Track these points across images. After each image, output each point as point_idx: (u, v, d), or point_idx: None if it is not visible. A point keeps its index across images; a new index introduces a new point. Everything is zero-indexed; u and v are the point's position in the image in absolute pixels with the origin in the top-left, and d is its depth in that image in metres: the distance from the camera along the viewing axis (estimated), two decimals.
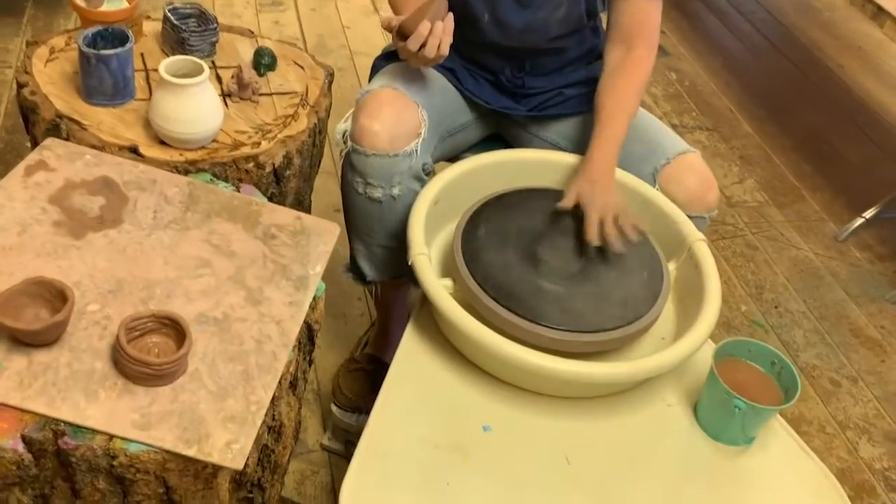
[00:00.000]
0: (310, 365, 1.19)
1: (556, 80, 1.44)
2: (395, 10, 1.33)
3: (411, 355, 1.16)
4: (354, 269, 1.45)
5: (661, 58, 3.10)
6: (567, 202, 1.22)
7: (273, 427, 1.03)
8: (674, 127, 2.76)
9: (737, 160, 2.67)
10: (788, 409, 1.12)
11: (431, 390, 1.12)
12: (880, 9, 2.31)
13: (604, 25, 1.42)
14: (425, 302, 1.19)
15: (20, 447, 0.88)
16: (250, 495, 1.06)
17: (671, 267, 1.28)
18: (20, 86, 1.36)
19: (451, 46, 1.23)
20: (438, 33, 1.19)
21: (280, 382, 1.00)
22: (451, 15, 1.22)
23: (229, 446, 0.91)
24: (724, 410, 1.10)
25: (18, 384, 0.91)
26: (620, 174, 1.30)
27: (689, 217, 1.31)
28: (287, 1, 2.92)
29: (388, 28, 1.21)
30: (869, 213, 2.43)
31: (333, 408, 1.52)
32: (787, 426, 1.17)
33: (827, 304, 2.18)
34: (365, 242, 1.38)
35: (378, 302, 1.62)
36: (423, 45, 1.19)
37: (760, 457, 1.13)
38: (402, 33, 1.20)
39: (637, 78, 1.33)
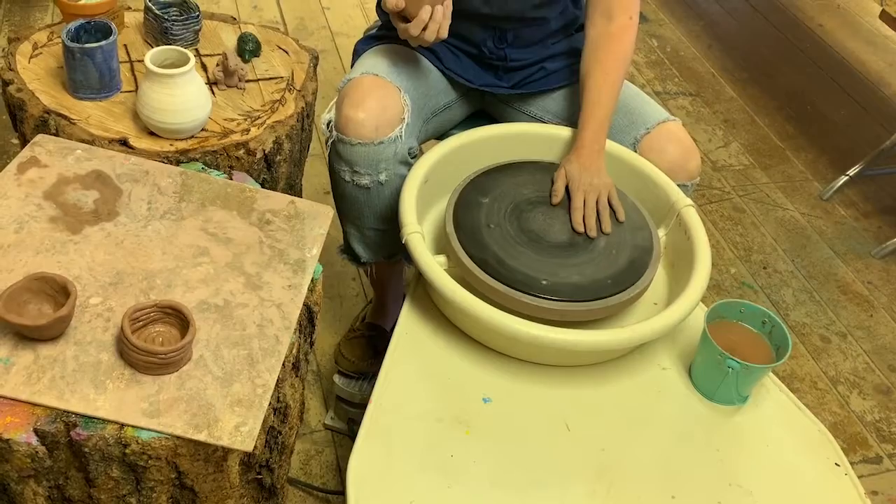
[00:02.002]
0: (311, 346, 1.20)
1: (538, 52, 1.45)
2: None
3: (409, 332, 1.18)
4: (348, 250, 1.47)
5: (642, 24, 3.10)
6: (558, 186, 1.26)
7: (279, 409, 1.05)
8: (657, 94, 2.77)
9: (721, 124, 2.69)
10: (780, 367, 1.15)
11: (431, 366, 1.15)
12: None
13: None
14: (420, 279, 1.21)
15: (33, 440, 0.90)
16: (259, 476, 1.09)
17: (661, 233, 1.31)
18: (5, 83, 1.36)
19: None
20: (438, 18, 1.21)
21: (284, 365, 1.02)
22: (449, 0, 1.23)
23: (238, 429, 0.93)
24: (717, 371, 1.12)
25: (27, 379, 0.93)
26: (608, 144, 1.31)
27: None
28: None
29: (393, 10, 1.22)
30: (852, 171, 2.46)
31: (336, 377, 1.53)
32: (779, 383, 1.20)
33: (814, 263, 2.21)
34: (356, 226, 1.40)
35: (374, 281, 1.64)
36: (423, 29, 1.21)
37: (755, 414, 1.16)
38: (403, 16, 1.22)
39: (621, 49, 1.32)
